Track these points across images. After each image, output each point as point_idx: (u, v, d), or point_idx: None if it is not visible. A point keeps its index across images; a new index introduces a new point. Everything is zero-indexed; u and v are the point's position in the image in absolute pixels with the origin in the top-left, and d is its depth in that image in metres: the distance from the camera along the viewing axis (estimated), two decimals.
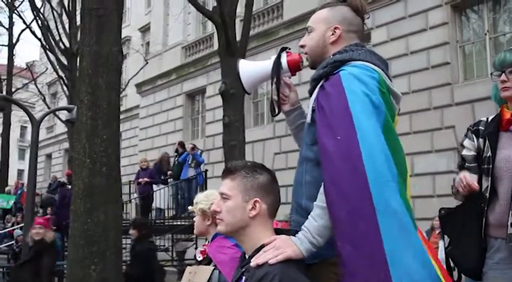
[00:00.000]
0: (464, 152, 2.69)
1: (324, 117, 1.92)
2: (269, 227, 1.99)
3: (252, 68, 2.30)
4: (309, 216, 1.90)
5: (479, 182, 2.58)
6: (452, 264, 2.60)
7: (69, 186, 13.89)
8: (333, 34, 2.13)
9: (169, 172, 13.62)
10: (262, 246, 1.91)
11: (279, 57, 2.22)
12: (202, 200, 3.16)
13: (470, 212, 2.55)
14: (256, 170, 2.01)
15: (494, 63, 2.70)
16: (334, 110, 1.90)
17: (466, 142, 2.69)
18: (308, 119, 2.08)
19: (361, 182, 1.78)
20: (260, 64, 2.30)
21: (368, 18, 2.22)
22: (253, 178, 1.98)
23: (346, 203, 1.78)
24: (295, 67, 2.22)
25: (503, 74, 2.58)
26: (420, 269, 1.78)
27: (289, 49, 2.27)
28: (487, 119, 2.71)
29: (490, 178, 2.51)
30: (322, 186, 1.89)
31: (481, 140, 2.63)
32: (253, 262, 1.85)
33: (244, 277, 1.92)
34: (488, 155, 2.54)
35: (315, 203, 1.91)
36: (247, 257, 1.99)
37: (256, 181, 1.98)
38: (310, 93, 2.13)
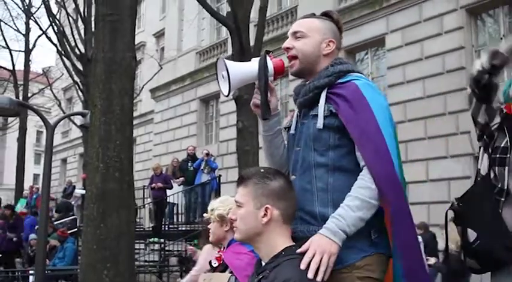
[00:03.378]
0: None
1: (355, 118, 2.03)
2: (285, 233, 1.98)
3: (239, 68, 2.21)
4: (344, 206, 1.94)
5: (488, 173, 2.52)
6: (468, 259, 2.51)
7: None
8: (327, 46, 2.19)
9: (181, 178, 13.63)
10: (280, 253, 1.90)
11: (265, 59, 2.19)
12: (218, 206, 3.18)
13: (494, 202, 2.46)
14: (268, 176, 2.00)
15: None
16: (362, 116, 2.02)
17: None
18: (320, 125, 2.08)
19: (392, 171, 1.98)
20: (245, 65, 2.24)
21: (341, 39, 2.32)
22: (263, 184, 1.98)
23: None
24: (280, 71, 2.20)
25: None
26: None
27: (272, 52, 2.26)
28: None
29: (506, 168, 2.44)
30: (361, 181, 1.97)
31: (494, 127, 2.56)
32: (310, 274, 1.81)
33: None
34: (503, 145, 2.48)
35: (353, 195, 1.96)
36: (263, 264, 1.98)
37: (267, 187, 1.97)
38: (312, 100, 2.16)
